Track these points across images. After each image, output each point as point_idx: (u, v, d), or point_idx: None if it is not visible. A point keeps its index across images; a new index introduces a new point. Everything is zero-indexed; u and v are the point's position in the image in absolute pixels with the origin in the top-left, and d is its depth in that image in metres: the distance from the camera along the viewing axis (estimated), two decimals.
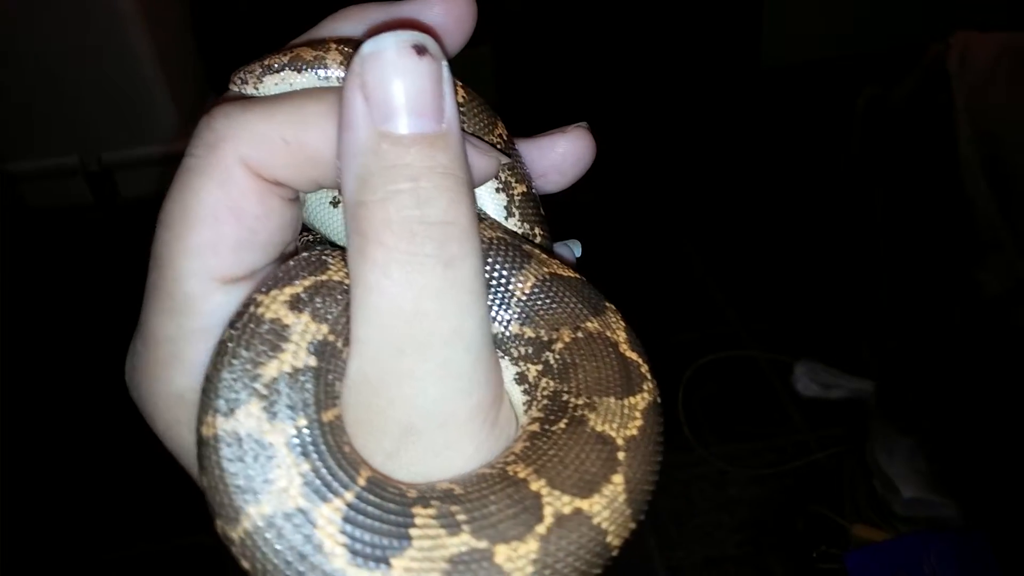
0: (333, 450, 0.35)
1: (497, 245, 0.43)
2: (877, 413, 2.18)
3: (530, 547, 0.34)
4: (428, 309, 0.35)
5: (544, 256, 0.45)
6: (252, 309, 0.37)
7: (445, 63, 0.36)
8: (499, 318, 0.42)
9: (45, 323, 2.87)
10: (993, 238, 1.73)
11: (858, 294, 2.35)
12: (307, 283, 0.38)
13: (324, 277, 0.38)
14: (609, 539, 0.36)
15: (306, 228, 0.48)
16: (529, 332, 0.42)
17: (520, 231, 0.50)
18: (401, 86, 0.35)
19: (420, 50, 0.35)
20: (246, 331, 0.36)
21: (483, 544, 0.33)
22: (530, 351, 0.42)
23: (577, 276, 0.44)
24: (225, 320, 0.38)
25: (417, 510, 0.34)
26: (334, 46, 0.45)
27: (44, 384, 2.64)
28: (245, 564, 0.34)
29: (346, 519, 0.33)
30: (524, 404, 0.41)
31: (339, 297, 0.38)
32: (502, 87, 3.41)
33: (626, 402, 0.40)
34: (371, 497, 0.34)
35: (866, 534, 2.05)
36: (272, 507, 0.33)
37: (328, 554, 0.32)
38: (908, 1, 3.50)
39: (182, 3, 3.29)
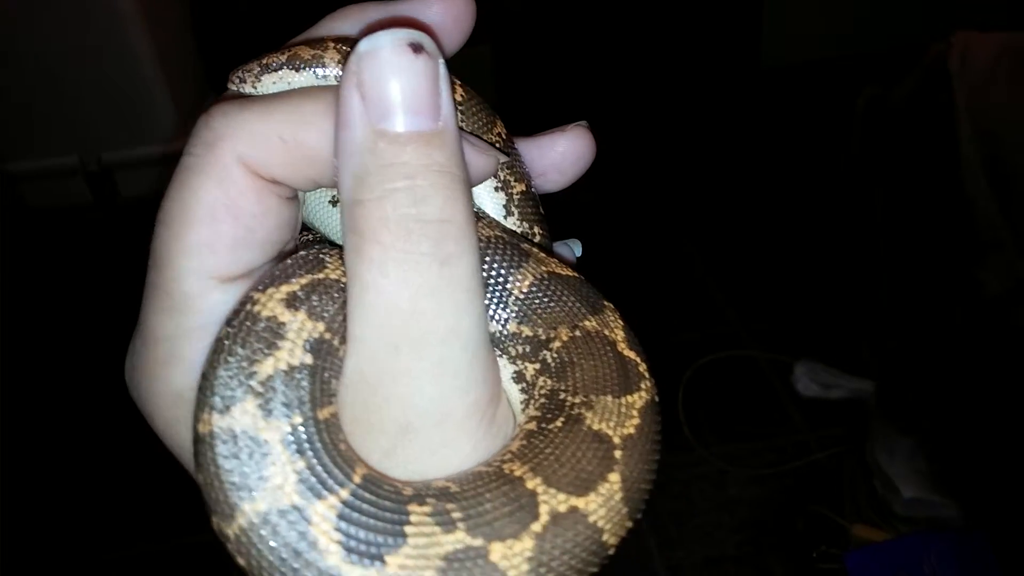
0: (328, 447, 0.35)
1: (495, 243, 0.43)
2: (877, 413, 2.18)
3: (525, 545, 0.34)
4: (424, 307, 0.35)
5: (542, 255, 0.44)
6: (248, 307, 0.37)
7: (442, 61, 0.36)
8: (497, 316, 0.42)
9: (45, 323, 2.87)
10: (994, 238, 1.73)
11: (858, 294, 2.35)
12: (304, 281, 0.38)
13: (321, 275, 0.38)
14: (605, 537, 0.36)
15: (306, 227, 0.48)
16: (527, 331, 0.42)
17: (519, 230, 0.50)
18: (397, 84, 0.35)
19: (416, 48, 0.35)
20: (242, 329, 0.36)
21: (478, 542, 0.33)
22: (528, 350, 0.41)
23: (575, 275, 0.44)
24: (223, 318, 0.38)
25: (412, 507, 0.34)
26: (332, 45, 0.45)
27: (44, 384, 2.64)
28: (241, 561, 0.34)
29: (341, 516, 0.33)
30: (522, 403, 0.41)
31: (336, 295, 0.38)
32: (502, 87, 3.41)
33: (623, 400, 0.40)
34: (366, 494, 0.34)
35: (866, 534, 2.05)
36: (267, 504, 0.33)
37: (323, 551, 0.33)
38: (908, 1, 3.50)
39: (182, 3, 3.29)
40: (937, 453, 1.98)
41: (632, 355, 0.42)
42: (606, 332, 0.42)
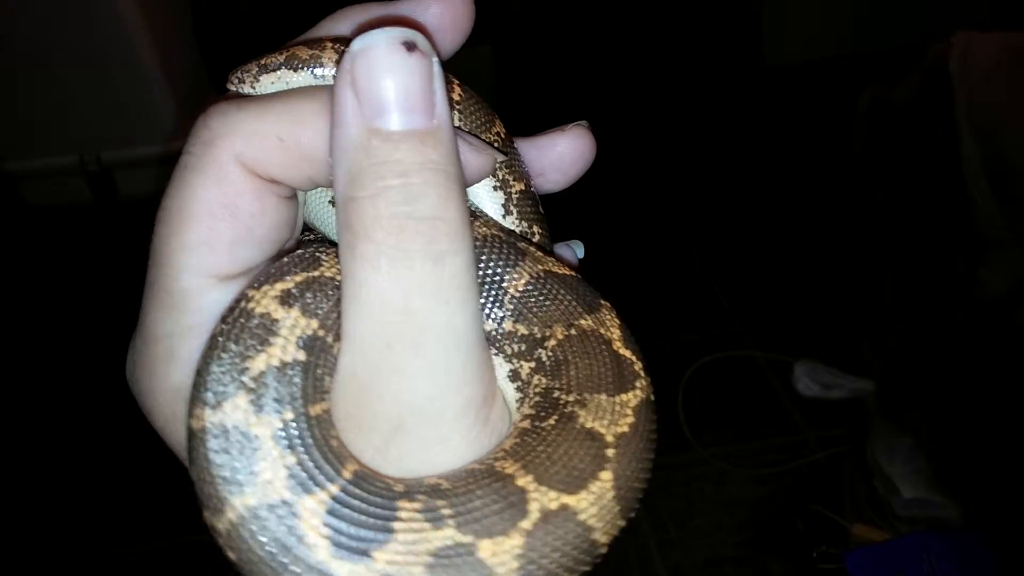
0: (319, 443, 0.35)
1: (491, 242, 0.43)
2: (877, 413, 2.18)
3: (515, 542, 0.34)
4: (418, 305, 0.35)
5: (539, 254, 0.44)
6: (243, 304, 0.37)
7: (436, 60, 0.36)
8: (492, 315, 0.42)
9: (45, 321, 2.87)
10: (994, 237, 1.73)
11: (858, 294, 2.35)
12: (299, 279, 0.38)
13: (316, 273, 0.39)
14: (596, 536, 0.36)
15: (308, 228, 0.48)
16: (522, 329, 0.42)
17: (518, 229, 0.50)
18: (391, 82, 0.35)
19: (410, 46, 0.35)
20: (236, 325, 0.36)
21: (467, 538, 0.33)
22: (523, 348, 0.41)
23: (572, 273, 0.44)
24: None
25: (402, 504, 0.34)
26: (330, 45, 0.45)
27: (45, 382, 2.64)
28: (231, 555, 0.34)
29: (330, 512, 0.33)
30: (517, 401, 0.41)
31: (330, 293, 0.38)
32: (502, 87, 3.41)
33: (617, 399, 0.39)
34: (356, 491, 0.34)
35: (866, 534, 2.05)
36: (257, 499, 0.33)
37: (311, 546, 0.33)
38: (909, 1, 3.50)
39: (182, 3, 3.29)
40: (937, 453, 1.98)
41: (628, 354, 0.42)
42: (602, 331, 0.42)
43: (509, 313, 0.42)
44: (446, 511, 0.34)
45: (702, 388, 2.51)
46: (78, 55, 2.96)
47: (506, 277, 0.42)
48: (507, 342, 0.42)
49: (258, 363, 0.35)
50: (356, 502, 0.33)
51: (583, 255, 0.55)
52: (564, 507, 0.35)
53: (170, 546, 2.16)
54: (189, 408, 0.36)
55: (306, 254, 0.40)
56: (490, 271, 0.42)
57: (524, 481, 0.35)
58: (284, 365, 0.36)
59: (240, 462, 0.34)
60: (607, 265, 0.75)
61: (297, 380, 0.36)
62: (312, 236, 0.48)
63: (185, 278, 0.38)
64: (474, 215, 0.46)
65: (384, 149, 0.35)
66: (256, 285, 0.38)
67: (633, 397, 0.40)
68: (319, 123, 0.38)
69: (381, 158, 0.35)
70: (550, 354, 0.41)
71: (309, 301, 0.38)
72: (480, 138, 0.47)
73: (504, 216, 0.50)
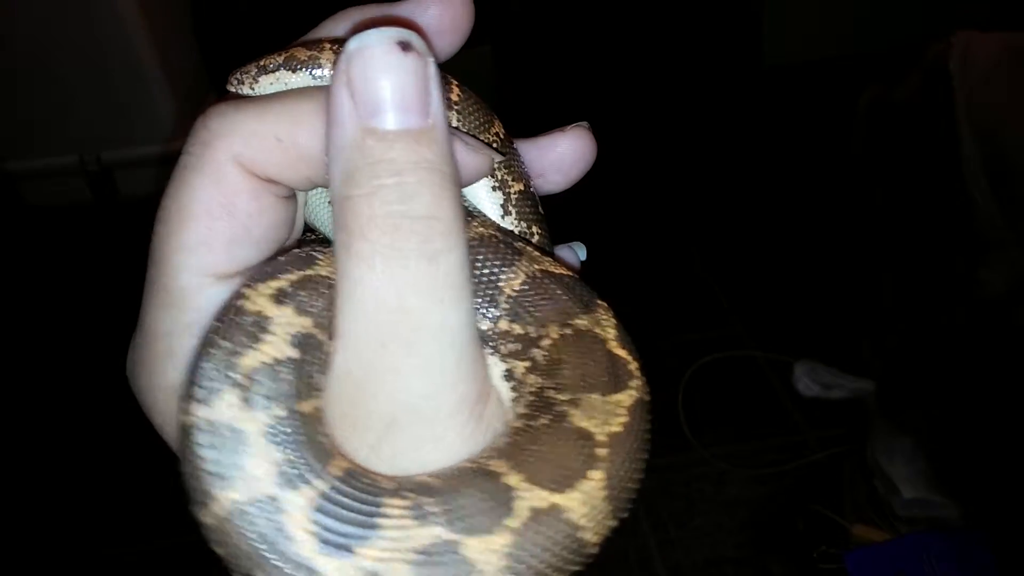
0: (309, 440, 0.35)
1: (487, 241, 0.43)
2: (878, 413, 2.18)
3: (502, 540, 0.34)
4: (412, 304, 0.35)
5: (536, 253, 0.44)
6: (237, 302, 0.37)
7: (431, 60, 0.36)
8: (487, 314, 0.42)
9: (45, 321, 2.87)
10: (995, 237, 1.73)
11: (858, 294, 2.35)
12: (293, 277, 0.38)
13: (311, 272, 0.39)
14: (586, 535, 0.36)
15: (309, 228, 0.48)
16: (517, 329, 0.42)
17: (517, 229, 0.50)
18: (386, 82, 0.35)
19: (405, 46, 0.35)
20: (229, 323, 0.36)
21: (454, 536, 0.33)
22: (518, 348, 0.41)
23: (569, 273, 0.44)
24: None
25: (389, 500, 0.34)
26: (328, 46, 0.45)
27: (45, 382, 2.64)
28: (219, 550, 0.34)
29: (317, 508, 0.33)
30: (512, 400, 0.41)
31: (324, 291, 0.38)
32: (502, 87, 3.41)
33: (611, 399, 0.39)
34: (344, 487, 0.34)
35: (866, 534, 2.05)
36: (243, 494, 0.33)
37: (296, 541, 0.33)
38: (909, 1, 3.50)
39: (182, 3, 3.29)
40: (937, 453, 1.98)
41: (623, 354, 0.41)
42: (597, 330, 0.41)
43: (504, 312, 0.42)
44: (433, 508, 0.34)
45: (702, 388, 2.51)
46: (78, 55, 2.96)
47: (502, 276, 0.42)
48: (502, 341, 0.42)
49: (249, 360, 0.35)
50: (343, 498, 0.33)
51: (585, 257, 0.55)
52: (553, 506, 0.35)
53: (170, 546, 2.16)
54: (180, 404, 0.36)
55: (302, 253, 0.40)
56: (486, 270, 0.42)
57: (513, 480, 0.35)
58: (276, 362, 0.36)
59: (228, 457, 0.34)
60: (607, 265, 0.75)
61: (288, 377, 0.36)
62: (314, 237, 0.48)
63: (183, 277, 0.39)
64: (471, 215, 0.46)
65: (379, 148, 0.35)
66: (250, 283, 0.38)
67: (627, 397, 0.40)
68: (317, 123, 0.38)
69: (376, 157, 0.35)
70: (545, 354, 0.41)
71: (303, 299, 0.38)
72: (478, 138, 0.47)
73: (503, 216, 0.50)
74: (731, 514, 2.25)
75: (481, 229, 0.44)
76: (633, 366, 0.41)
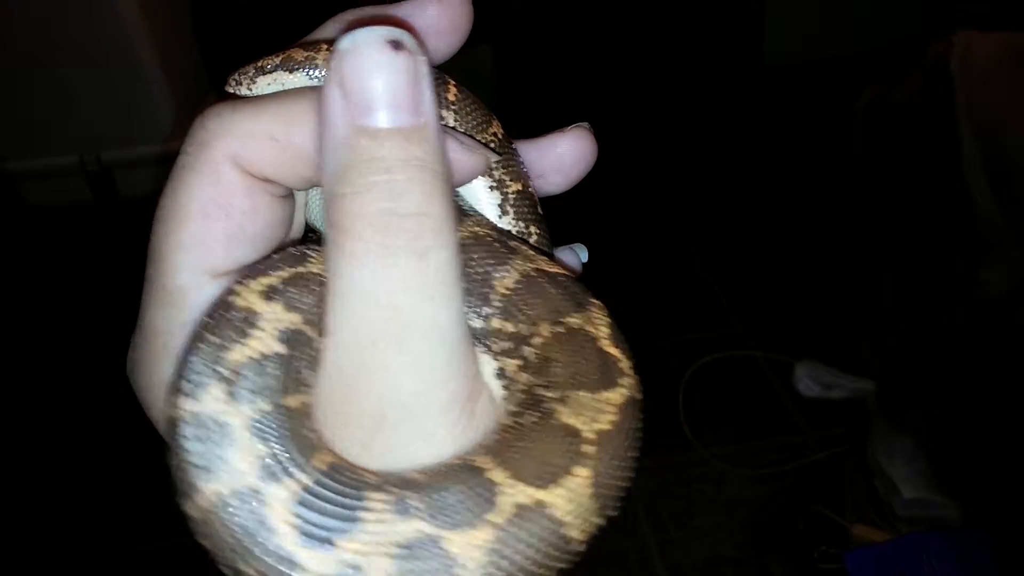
0: (294, 434, 0.35)
1: (481, 240, 0.43)
2: (878, 413, 2.18)
3: (485, 535, 0.34)
4: (401, 301, 0.35)
5: (531, 253, 0.44)
6: (227, 298, 0.38)
7: (423, 58, 0.36)
8: (480, 313, 0.42)
9: (45, 321, 2.87)
10: (995, 237, 1.73)
11: (859, 294, 2.35)
12: (284, 274, 0.39)
13: (303, 269, 0.39)
14: (571, 532, 0.36)
15: (311, 228, 0.48)
16: (510, 327, 0.41)
17: (515, 229, 0.50)
18: (376, 80, 0.35)
19: (396, 45, 0.35)
20: (218, 318, 0.37)
21: (435, 530, 0.33)
22: (510, 346, 0.41)
23: (564, 272, 0.44)
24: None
25: (372, 494, 0.34)
26: (325, 47, 0.46)
27: (45, 382, 2.64)
28: (205, 542, 0.34)
29: (299, 501, 0.33)
30: (503, 399, 0.41)
31: (315, 289, 0.38)
32: (502, 87, 3.41)
33: (600, 396, 0.39)
34: (327, 481, 0.34)
35: (867, 534, 2.05)
36: (227, 485, 0.34)
37: (278, 533, 0.33)
38: (909, 1, 3.50)
39: (182, 3, 3.29)
40: (937, 453, 1.98)
41: (615, 352, 0.41)
42: (589, 328, 0.41)
43: (497, 311, 0.42)
44: (416, 503, 0.34)
45: (702, 388, 2.50)
46: (78, 55, 2.96)
47: (495, 275, 0.42)
48: (494, 340, 0.42)
49: (235, 355, 0.36)
50: (326, 492, 0.34)
51: (587, 259, 0.55)
52: (538, 502, 0.35)
53: (170, 546, 2.16)
54: (169, 397, 0.36)
55: (296, 251, 0.40)
56: (479, 268, 0.42)
57: (498, 476, 0.35)
58: (263, 357, 0.36)
59: (212, 450, 0.34)
60: (608, 265, 0.75)
61: (275, 372, 0.36)
62: (315, 236, 0.48)
63: (181, 275, 0.39)
64: (467, 214, 0.46)
65: (369, 146, 0.35)
66: (242, 280, 0.38)
67: (617, 395, 0.39)
68: (311, 122, 0.38)
69: (366, 155, 0.35)
70: (536, 352, 0.41)
71: (293, 296, 0.38)
72: (475, 138, 0.47)
73: (501, 216, 0.50)
74: (731, 514, 2.25)
75: (476, 228, 0.44)
76: (625, 364, 0.41)
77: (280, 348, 0.37)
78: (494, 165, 0.49)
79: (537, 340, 0.41)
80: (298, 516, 0.33)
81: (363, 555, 0.33)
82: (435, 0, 0.44)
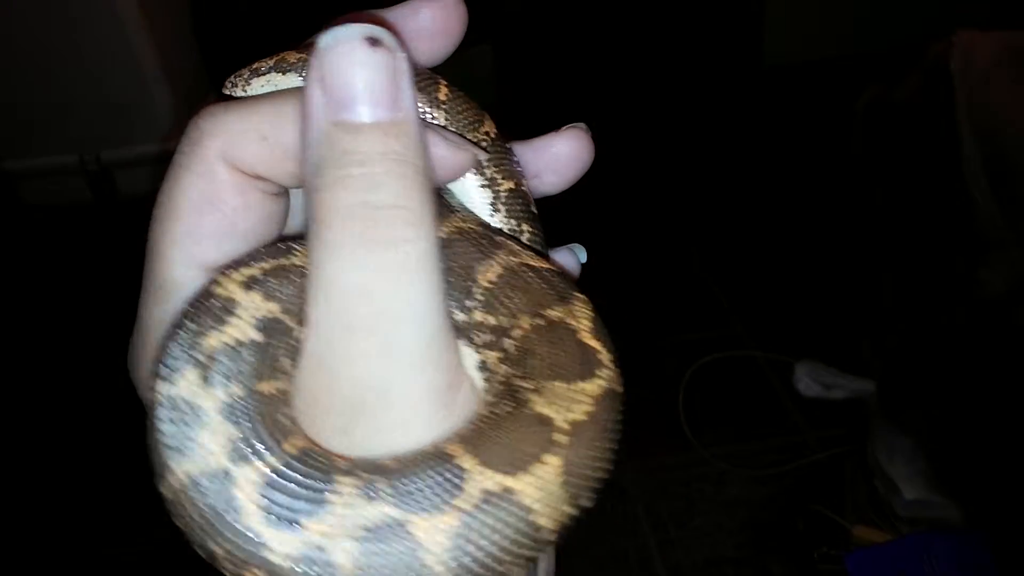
0: (265, 419, 0.36)
1: (466, 235, 0.44)
2: (878, 413, 2.18)
3: (451, 520, 0.34)
4: (378, 290, 0.36)
5: (516, 247, 0.45)
6: (210, 287, 0.39)
7: (402, 55, 0.37)
8: (462, 306, 0.42)
9: (45, 321, 2.87)
10: (995, 237, 1.73)
11: (859, 294, 2.35)
12: (266, 266, 0.40)
13: (286, 261, 0.40)
14: (539, 520, 0.36)
15: None
16: (491, 319, 0.42)
17: (506, 227, 0.50)
18: (355, 76, 0.36)
19: (374, 42, 0.36)
20: (199, 306, 0.38)
21: (402, 515, 0.34)
22: (491, 339, 0.42)
23: (549, 267, 0.44)
24: None
25: (341, 478, 0.35)
26: None
27: (44, 382, 2.64)
28: (177, 522, 0.35)
29: (268, 483, 0.34)
30: (484, 391, 0.41)
31: (297, 280, 0.39)
32: (502, 87, 3.41)
33: (575, 387, 0.39)
34: (297, 464, 0.35)
35: (867, 535, 2.05)
36: (197, 466, 0.34)
37: (245, 513, 0.34)
38: (909, 1, 3.50)
39: (182, 3, 3.29)
40: (937, 453, 1.98)
41: (595, 344, 0.41)
42: (570, 321, 0.42)
43: (479, 304, 0.42)
44: (383, 488, 0.34)
45: (702, 388, 2.51)
46: (78, 55, 2.96)
47: (478, 268, 0.43)
48: (477, 332, 0.42)
49: (211, 341, 0.37)
50: (294, 475, 0.34)
51: (585, 259, 0.55)
52: (506, 489, 0.35)
53: (169, 546, 2.16)
54: (148, 382, 0.37)
55: (281, 244, 0.41)
56: (463, 262, 0.43)
57: (467, 462, 0.36)
58: (239, 344, 0.37)
59: (184, 431, 0.35)
60: (607, 266, 0.75)
61: (250, 359, 0.37)
62: None
63: (174, 269, 0.40)
64: (453, 210, 0.47)
65: (347, 140, 0.36)
66: (225, 271, 0.40)
67: (594, 386, 0.39)
68: (298, 120, 0.39)
69: (344, 148, 0.36)
70: (516, 343, 0.41)
71: (273, 286, 0.39)
72: (466, 137, 0.48)
73: (492, 214, 0.50)
74: (731, 514, 2.25)
75: (461, 223, 0.45)
76: (605, 357, 0.41)
77: (257, 336, 0.38)
78: (485, 163, 0.49)
79: (517, 332, 0.41)
80: (265, 497, 0.34)
81: (329, 537, 0.33)
82: (428, 3, 0.44)
